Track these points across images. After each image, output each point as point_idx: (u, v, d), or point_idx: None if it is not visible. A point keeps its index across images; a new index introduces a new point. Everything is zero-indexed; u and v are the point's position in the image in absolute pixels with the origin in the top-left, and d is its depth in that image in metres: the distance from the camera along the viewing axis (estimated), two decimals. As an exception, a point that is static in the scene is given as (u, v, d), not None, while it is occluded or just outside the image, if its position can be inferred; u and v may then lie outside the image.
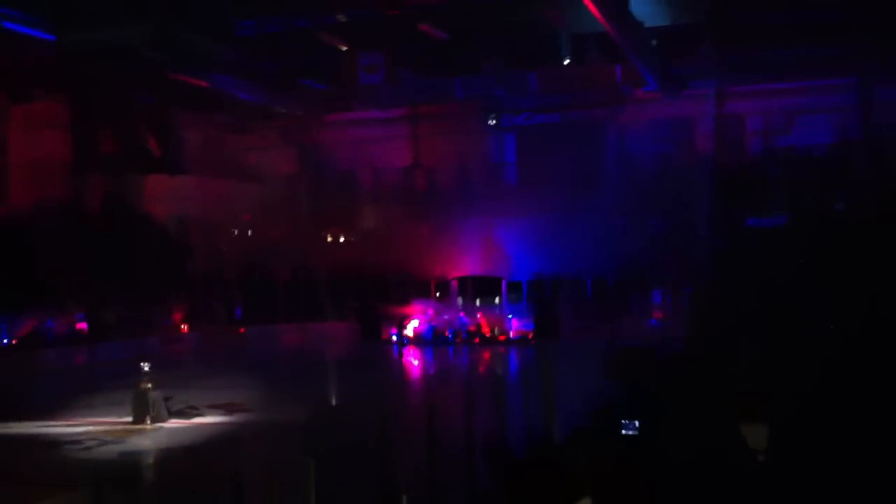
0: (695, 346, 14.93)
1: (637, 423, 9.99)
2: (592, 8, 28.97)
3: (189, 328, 42.42)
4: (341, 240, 51.09)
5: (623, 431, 10.03)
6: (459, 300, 44.23)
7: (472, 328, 41.83)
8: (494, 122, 47.20)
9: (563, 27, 35.52)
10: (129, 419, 22.09)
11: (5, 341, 36.50)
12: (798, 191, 37.38)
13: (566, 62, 37.91)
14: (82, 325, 38.59)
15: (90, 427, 21.95)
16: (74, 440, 20.57)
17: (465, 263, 44.84)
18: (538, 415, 15.19)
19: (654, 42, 35.67)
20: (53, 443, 20.47)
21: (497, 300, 43.80)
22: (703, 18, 34.78)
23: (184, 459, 18.97)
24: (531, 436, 13.31)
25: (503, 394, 16.69)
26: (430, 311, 43.02)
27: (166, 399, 22.65)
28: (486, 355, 38.28)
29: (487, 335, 41.38)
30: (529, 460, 11.66)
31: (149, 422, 21.81)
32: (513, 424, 15.44)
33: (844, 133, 42.28)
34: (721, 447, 9.86)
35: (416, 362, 38.59)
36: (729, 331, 14.01)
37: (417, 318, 42.59)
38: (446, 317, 42.72)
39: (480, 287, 44.19)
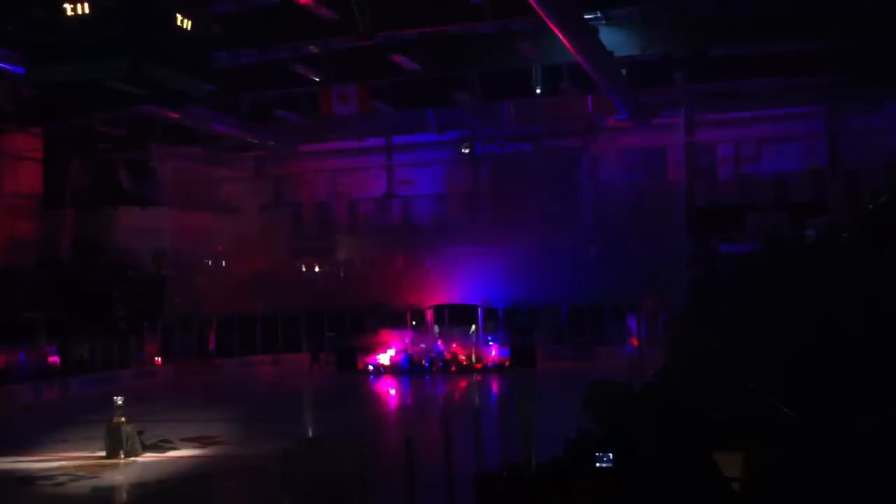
0: (669, 375, 14.97)
1: (612, 456, 9.98)
2: (563, 39, 29.26)
3: (163, 361, 42.06)
4: (316, 270, 51.00)
5: (597, 464, 10.02)
6: (435, 329, 44.19)
7: (448, 357, 41.72)
8: (468, 150, 47.41)
9: (535, 58, 35.81)
10: (103, 454, 21.88)
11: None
12: (769, 217, 37.75)
13: (538, 91, 38.18)
14: (55, 359, 38.17)
15: (63, 462, 21.74)
16: (47, 475, 20.36)
17: (441, 293, 44.86)
18: (515, 446, 15.18)
19: (623, 72, 36.02)
20: (26, 478, 20.24)
21: (473, 328, 43.80)
22: (672, 49, 35.17)
23: (157, 494, 18.80)
24: (508, 468, 13.29)
25: (479, 425, 16.67)
26: (407, 340, 42.93)
27: (140, 433, 22.46)
28: (463, 384, 38.20)
29: (464, 363, 41.30)
30: (506, 494, 11.64)
31: (122, 456, 21.63)
32: (489, 456, 15.43)
33: (814, 160, 42.85)
34: (696, 477, 9.90)
35: (392, 392, 38.49)
36: (703, 358, 14.07)
37: (393, 347, 42.48)
38: (422, 345, 42.62)
39: (456, 315, 44.19)
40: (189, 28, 29.93)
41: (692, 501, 9.55)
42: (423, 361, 41.72)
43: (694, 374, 13.08)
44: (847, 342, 10.60)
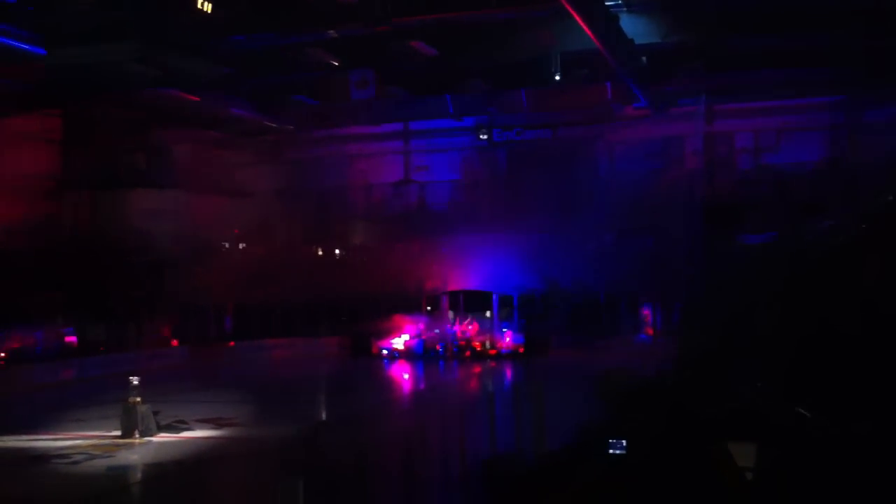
0: (683, 364, 14.95)
1: (624, 443, 9.96)
2: (584, 26, 29.11)
3: (178, 342, 42.25)
4: (336, 252, 51.08)
5: (610, 451, 10.01)
6: (450, 314, 44.23)
7: (462, 343, 41.80)
8: (485, 137, 47.25)
9: (553, 44, 35.65)
10: (118, 433, 22.00)
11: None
12: (787, 208, 37.53)
13: (557, 79, 37.99)
14: (71, 339, 38.43)
15: (78, 441, 21.87)
16: (63, 454, 20.47)
17: (456, 279, 44.85)
18: (528, 432, 15.20)
19: (644, 60, 35.81)
20: (41, 457, 20.36)
21: (488, 315, 43.82)
22: (693, 37, 34.94)
23: (173, 474, 18.91)
24: (520, 454, 13.33)
25: (492, 411, 16.72)
26: (421, 326, 43.01)
27: (155, 413, 22.58)
28: (477, 370, 38.26)
29: (478, 350, 41.37)
30: (518, 479, 11.66)
31: (137, 436, 21.75)
32: (502, 442, 15.47)
33: (833, 151, 42.57)
34: (708, 464, 9.89)
35: (405, 377, 38.56)
36: (717, 348, 14.05)
37: (408, 332, 42.56)
38: (437, 331, 42.70)
39: (471, 302, 44.20)
40: (208, 11, 30.10)
41: (689, 497, 9.56)
42: (437, 347, 41.84)
43: (695, 370, 13.08)
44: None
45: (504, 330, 42.24)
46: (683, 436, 10.20)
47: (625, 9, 32.31)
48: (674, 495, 9.55)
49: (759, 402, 10.78)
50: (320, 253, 50.75)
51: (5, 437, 22.55)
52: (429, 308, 44.97)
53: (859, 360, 10.22)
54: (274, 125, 48.84)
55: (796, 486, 8.91)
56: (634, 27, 32.70)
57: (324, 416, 25.48)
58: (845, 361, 10.31)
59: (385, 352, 42.09)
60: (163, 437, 22.14)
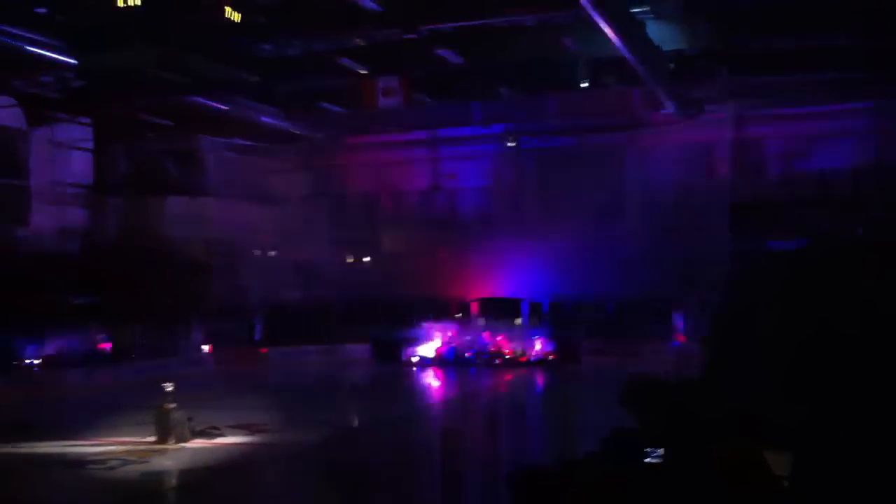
0: (713, 371, 14.96)
1: (659, 451, 9.98)
2: (610, 32, 29.16)
3: (211, 348, 42.65)
4: (366, 259, 51.33)
5: (642, 460, 10.03)
6: (481, 321, 44.30)
7: (493, 350, 41.83)
8: (513, 144, 47.37)
9: (580, 51, 35.70)
10: (153, 439, 22.26)
11: (29, 361, 36.77)
12: (817, 215, 37.34)
13: (584, 86, 38.03)
14: (105, 346, 38.88)
15: (113, 447, 22.15)
16: (98, 460, 20.75)
17: (486, 286, 44.91)
18: (556, 438, 15.30)
19: (671, 66, 35.76)
20: (77, 462, 20.65)
21: (518, 321, 43.85)
22: (720, 42, 34.85)
23: (206, 480, 19.14)
24: (547, 459, 13.40)
25: (523, 417, 16.81)
26: (451, 333, 43.08)
27: (189, 419, 22.81)
28: (508, 377, 38.31)
29: (508, 357, 41.39)
30: (545, 486, 11.72)
31: (172, 442, 22.00)
32: (531, 448, 15.57)
33: (864, 158, 42.24)
34: (741, 472, 9.93)
35: (436, 383, 38.68)
36: (747, 355, 14.05)
37: (438, 339, 42.65)
38: (467, 338, 42.76)
39: (501, 308, 44.25)
40: (236, 19, 30.50)
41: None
42: (468, 354, 41.88)
43: (739, 370, 13.05)
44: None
45: (535, 337, 42.22)
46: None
47: (651, 15, 32.30)
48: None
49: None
50: (350, 260, 50.98)
51: (41, 443, 22.90)
52: (459, 315, 45.08)
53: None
54: (302, 133, 49.22)
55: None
56: (661, 33, 32.64)
57: (355, 422, 25.61)
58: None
59: (415, 358, 42.20)
60: (196, 443, 22.37)
